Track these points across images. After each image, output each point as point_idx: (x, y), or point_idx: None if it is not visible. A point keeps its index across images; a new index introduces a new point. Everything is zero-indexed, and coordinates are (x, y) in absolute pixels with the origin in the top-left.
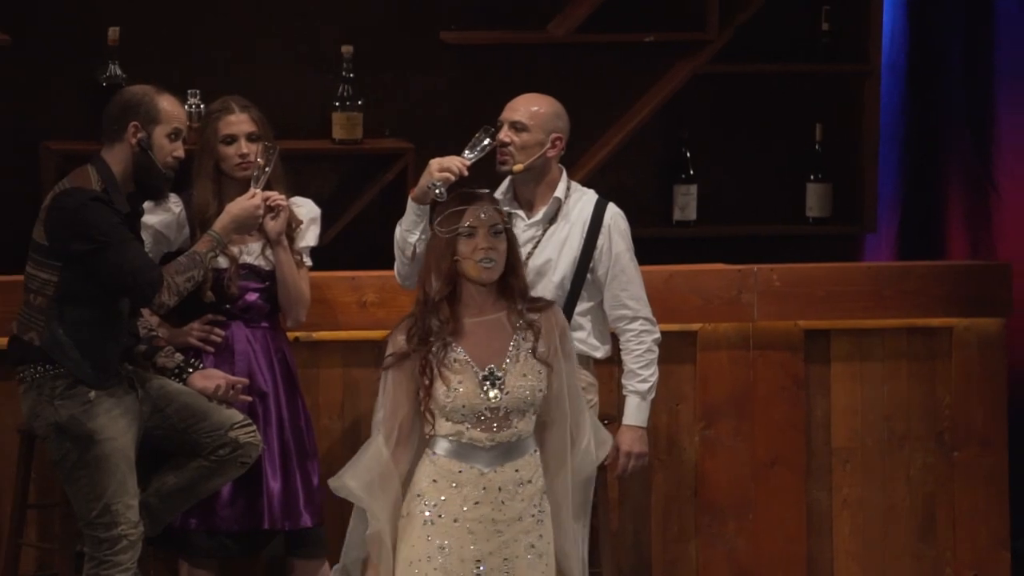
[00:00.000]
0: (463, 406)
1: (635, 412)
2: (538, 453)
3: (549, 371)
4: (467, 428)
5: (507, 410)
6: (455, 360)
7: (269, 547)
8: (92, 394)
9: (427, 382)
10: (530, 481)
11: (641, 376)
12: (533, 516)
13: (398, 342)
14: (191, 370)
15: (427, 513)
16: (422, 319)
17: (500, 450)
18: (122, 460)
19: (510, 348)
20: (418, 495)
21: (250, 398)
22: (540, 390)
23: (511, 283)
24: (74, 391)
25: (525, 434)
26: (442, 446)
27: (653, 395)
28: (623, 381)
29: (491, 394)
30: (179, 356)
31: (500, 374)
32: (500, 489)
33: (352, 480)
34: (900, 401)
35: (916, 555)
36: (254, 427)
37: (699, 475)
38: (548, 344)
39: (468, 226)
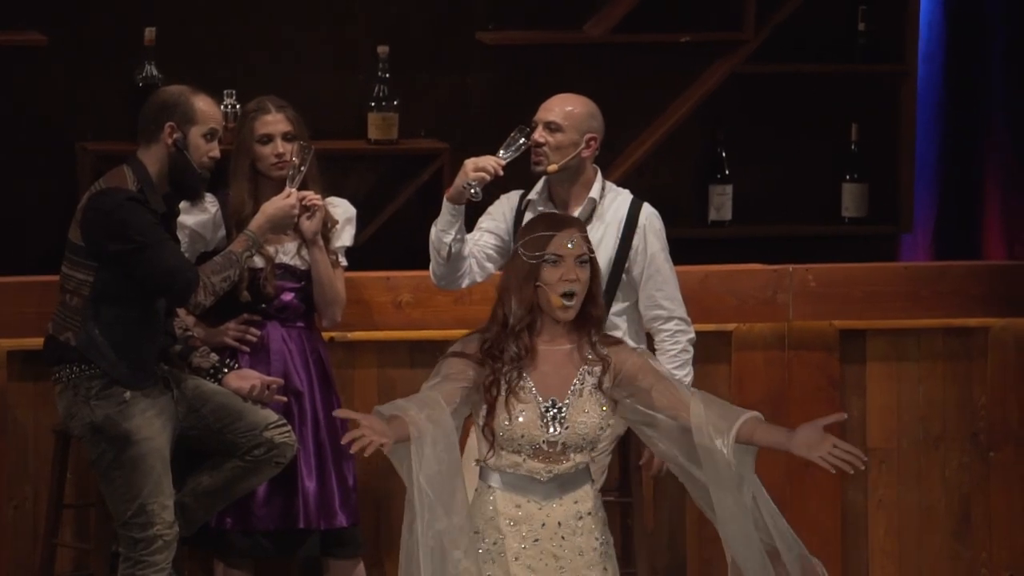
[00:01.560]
0: (521, 436)
1: None
2: (595, 485)
3: (613, 407)
4: (524, 459)
5: (564, 444)
6: (521, 388)
7: (304, 547)
8: (128, 394)
9: (490, 400)
10: (590, 513)
11: (676, 376)
12: (596, 549)
13: (469, 347)
14: (226, 370)
15: (486, 551)
16: (497, 340)
17: (558, 482)
18: (157, 460)
19: (575, 381)
20: (476, 532)
21: (285, 398)
22: (601, 428)
23: (589, 312)
24: (110, 391)
25: (582, 465)
26: (497, 479)
27: None
28: None
29: (551, 428)
30: (214, 356)
31: (562, 407)
32: (560, 524)
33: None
34: (936, 401)
35: (952, 555)
36: (289, 427)
37: None
38: (620, 380)
39: (554, 254)
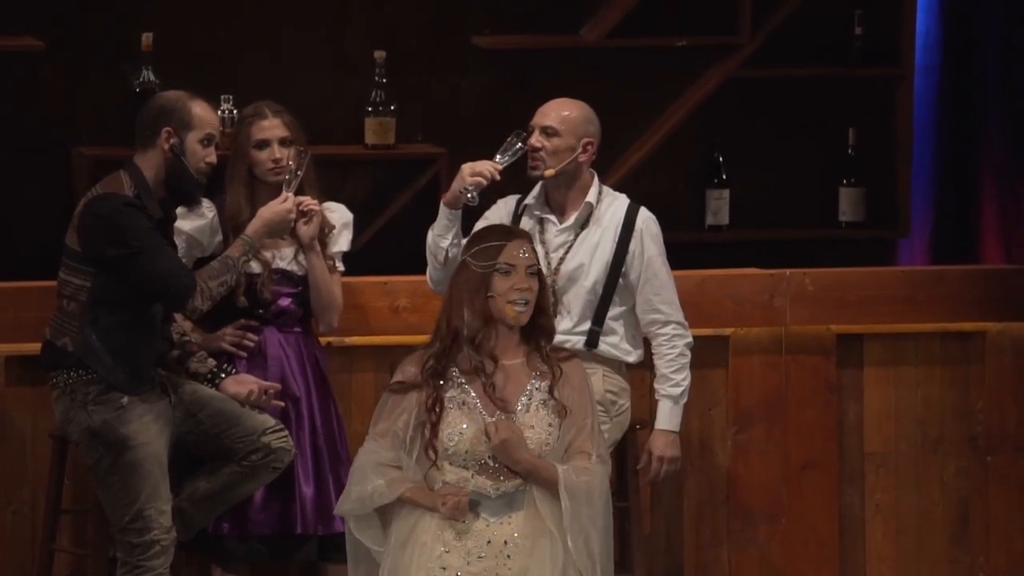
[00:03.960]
0: (465, 451)
1: (667, 416)
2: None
3: (562, 420)
4: (472, 475)
5: None
6: (464, 403)
7: (302, 552)
8: (125, 399)
9: (435, 419)
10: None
11: (673, 380)
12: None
13: (408, 372)
14: (224, 375)
15: (429, 565)
16: (441, 355)
17: (507, 499)
18: (155, 465)
19: (523, 396)
20: (422, 544)
21: (283, 403)
22: (547, 444)
23: (539, 323)
24: (107, 396)
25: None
26: None
27: (685, 399)
28: (655, 385)
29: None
30: (212, 361)
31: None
32: (506, 543)
33: (364, 484)
34: (933, 405)
35: (949, 560)
36: (286, 432)
37: (731, 479)
38: (568, 395)
39: (506, 263)
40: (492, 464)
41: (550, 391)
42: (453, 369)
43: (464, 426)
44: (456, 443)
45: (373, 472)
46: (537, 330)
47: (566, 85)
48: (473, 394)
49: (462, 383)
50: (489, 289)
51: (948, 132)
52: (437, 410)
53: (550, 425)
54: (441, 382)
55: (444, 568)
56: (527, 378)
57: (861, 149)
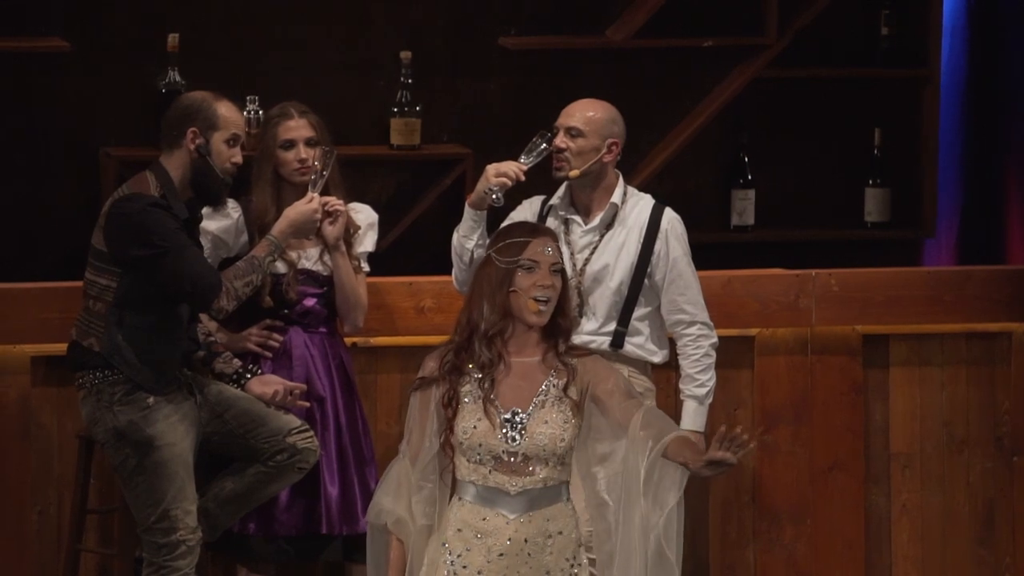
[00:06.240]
0: (479, 445)
1: (693, 417)
2: (571, 502)
3: (579, 419)
4: (490, 471)
5: (525, 455)
6: (479, 397)
7: (327, 552)
8: (151, 400)
9: (451, 414)
10: (561, 532)
11: (699, 381)
12: (563, 571)
13: (428, 367)
14: (249, 376)
15: (450, 563)
16: (463, 347)
17: (527, 497)
18: (180, 466)
19: (539, 393)
20: (443, 544)
21: (308, 404)
22: (562, 440)
23: (558, 322)
24: (133, 397)
25: (553, 481)
26: (469, 491)
27: (711, 400)
28: (681, 386)
29: (510, 436)
30: (237, 362)
31: (523, 418)
32: (527, 541)
33: (384, 497)
34: (959, 406)
35: (975, 560)
36: (312, 433)
37: (757, 480)
38: (588, 390)
39: (530, 260)
40: (507, 459)
41: (565, 389)
42: (470, 364)
43: (478, 419)
44: (469, 437)
45: (394, 495)
46: (555, 329)
47: (591, 86)
48: (490, 389)
49: (478, 378)
50: (512, 284)
51: (974, 132)
52: (454, 405)
53: (565, 422)
54: (458, 377)
55: (465, 567)
56: (543, 375)
57: (887, 149)
